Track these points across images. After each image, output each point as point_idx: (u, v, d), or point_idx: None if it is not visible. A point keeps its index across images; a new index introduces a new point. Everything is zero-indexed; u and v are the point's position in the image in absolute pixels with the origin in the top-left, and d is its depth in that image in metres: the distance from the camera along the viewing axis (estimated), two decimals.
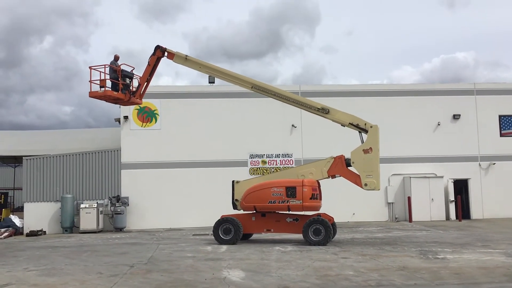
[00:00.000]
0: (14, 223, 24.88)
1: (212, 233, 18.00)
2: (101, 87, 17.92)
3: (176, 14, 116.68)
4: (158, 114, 26.84)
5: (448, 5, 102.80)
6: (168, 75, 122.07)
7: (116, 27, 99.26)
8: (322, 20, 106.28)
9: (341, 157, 17.58)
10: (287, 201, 17.06)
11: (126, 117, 26.53)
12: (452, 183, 27.06)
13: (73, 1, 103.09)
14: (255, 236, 19.65)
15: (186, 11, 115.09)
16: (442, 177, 26.97)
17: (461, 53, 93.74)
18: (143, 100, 25.58)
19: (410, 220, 26.05)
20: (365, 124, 17.12)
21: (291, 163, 26.55)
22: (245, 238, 18.65)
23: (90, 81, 18.05)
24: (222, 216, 17.97)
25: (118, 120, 27.57)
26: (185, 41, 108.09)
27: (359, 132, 17.31)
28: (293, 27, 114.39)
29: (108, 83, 18.02)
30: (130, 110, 26.49)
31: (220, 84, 27.73)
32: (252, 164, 26.96)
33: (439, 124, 27.84)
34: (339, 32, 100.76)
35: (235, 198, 18.27)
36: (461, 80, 62.77)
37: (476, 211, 27.24)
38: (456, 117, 27.91)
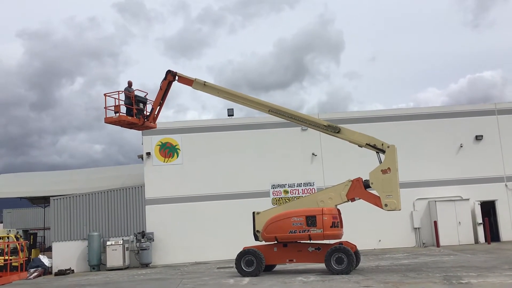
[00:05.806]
0: (43, 263, 25.26)
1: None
2: (115, 112, 18.49)
3: (201, 49, 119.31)
4: (179, 149, 27.27)
5: (473, 26, 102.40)
6: (194, 109, 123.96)
7: (143, 64, 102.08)
8: (346, 47, 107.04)
9: (358, 179, 17.48)
10: (308, 230, 16.96)
11: (148, 154, 27.05)
12: (479, 205, 26.56)
13: (103, 42, 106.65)
14: (278, 266, 19.55)
15: (211, 46, 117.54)
16: (468, 199, 26.51)
17: (488, 72, 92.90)
18: (165, 136, 26.56)
19: (438, 244, 25.56)
20: (382, 144, 17.09)
21: (313, 192, 26.41)
22: (269, 269, 18.55)
23: (105, 108, 18.62)
24: (244, 248, 17.98)
25: (141, 157, 28.08)
26: (210, 75, 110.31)
27: (377, 152, 17.29)
28: (317, 55, 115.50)
29: (123, 109, 18.56)
30: (152, 147, 27.02)
31: (239, 117, 28.11)
32: (274, 194, 27.04)
33: (461, 146, 27.52)
34: (363, 57, 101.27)
35: (256, 229, 18.28)
36: (490, 99, 62.01)
37: (505, 233, 26.59)
38: (478, 138, 27.56)
